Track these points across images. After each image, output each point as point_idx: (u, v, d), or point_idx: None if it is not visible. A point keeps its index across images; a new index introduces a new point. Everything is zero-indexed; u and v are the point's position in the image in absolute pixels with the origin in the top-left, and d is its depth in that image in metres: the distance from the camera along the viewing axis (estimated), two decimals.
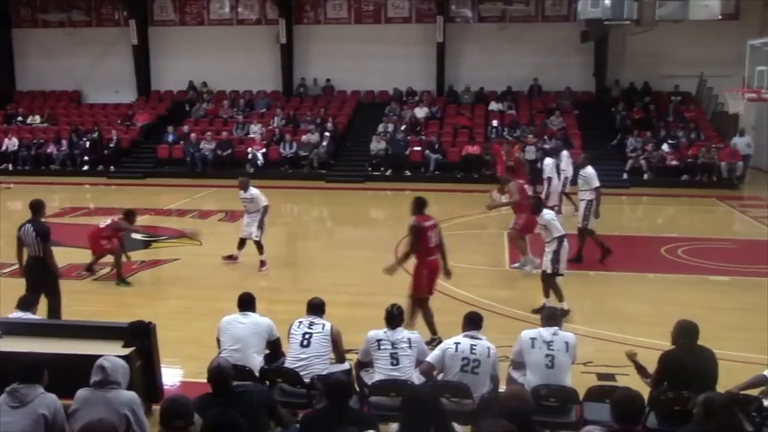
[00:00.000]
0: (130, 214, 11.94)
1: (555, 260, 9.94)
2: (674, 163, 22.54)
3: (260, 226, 12.49)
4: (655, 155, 22.57)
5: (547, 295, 10.15)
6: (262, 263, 12.52)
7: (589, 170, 12.80)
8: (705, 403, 4.73)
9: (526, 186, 12.79)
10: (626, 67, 26.33)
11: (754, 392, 6.28)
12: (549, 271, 10.01)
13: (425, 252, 8.87)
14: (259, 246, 12.52)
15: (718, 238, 15.23)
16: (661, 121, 24.54)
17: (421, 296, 8.94)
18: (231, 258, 12.79)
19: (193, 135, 24.75)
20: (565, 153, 17.65)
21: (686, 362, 6.07)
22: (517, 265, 12.50)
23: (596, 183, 12.70)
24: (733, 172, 22.10)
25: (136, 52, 28.15)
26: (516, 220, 12.46)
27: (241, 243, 12.71)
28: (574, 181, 15.29)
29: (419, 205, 9.12)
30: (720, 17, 19.84)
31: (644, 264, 13.19)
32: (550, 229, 10.02)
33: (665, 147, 22.94)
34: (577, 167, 13.52)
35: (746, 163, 22.77)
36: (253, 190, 12.62)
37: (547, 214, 10.18)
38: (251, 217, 12.57)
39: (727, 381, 6.23)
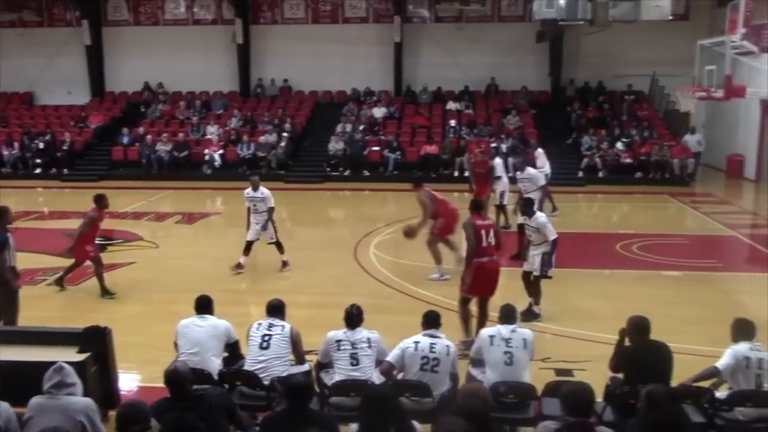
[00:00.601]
0: (100, 199, 11.25)
1: (546, 262, 9.73)
2: (628, 160, 22.93)
3: (265, 227, 12.36)
4: (609, 153, 22.94)
5: (531, 295, 10.05)
6: (285, 264, 12.46)
7: (532, 171, 12.96)
8: (647, 396, 4.82)
9: (433, 192, 12.33)
10: (581, 66, 26.73)
11: (707, 384, 6.45)
12: (537, 273, 9.82)
13: (478, 252, 8.66)
14: (279, 246, 12.46)
15: (671, 234, 15.54)
16: (615, 120, 24.96)
17: (468, 295, 8.81)
18: (239, 267, 12.41)
19: (148, 136, 24.44)
20: (540, 151, 17.90)
21: (641, 357, 6.20)
22: (434, 276, 11.97)
23: (542, 182, 12.88)
24: (685, 169, 22.58)
25: (89, 52, 27.71)
26: (434, 224, 12.11)
27: (248, 248, 12.40)
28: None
29: (476, 206, 9.09)
30: (671, 18, 20.24)
31: (600, 260, 13.40)
32: (543, 232, 9.74)
33: (619, 145, 23.33)
34: (517, 170, 13.64)
35: (697, 160, 23.29)
36: (265, 190, 12.48)
37: (540, 216, 9.91)
38: (260, 217, 12.41)
39: (680, 373, 6.36)
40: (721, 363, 6.31)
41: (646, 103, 26.20)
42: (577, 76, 26.99)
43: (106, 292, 10.91)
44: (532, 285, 10.01)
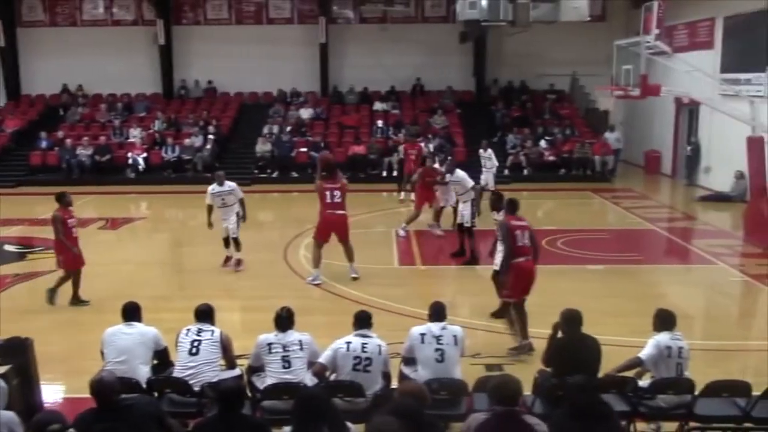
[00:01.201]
0: (61, 197, 10.76)
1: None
2: (551, 158, 23.46)
3: (237, 221, 12.42)
4: (533, 151, 23.43)
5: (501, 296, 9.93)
6: (239, 262, 12.46)
7: (460, 173, 13.14)
8: (569, 387, 4.96)
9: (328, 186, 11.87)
10: (504, 66, 27.24)
11: (630, 373, 6.66)
12: (498, 268, 9.70)
13: (515, 252, 8.60)
14: (237, 243, 12.46)
15: (594, 229, 15.97)
16: (538, 119, 25.53)
17: (510, 299, 8.77)
18: (228, 261, 12.63)
19: (68, 140, 23.72)
20: (490, 150, 18.51)
21: (572, 349, 6.37)
22: (310, 279, 11.96)
23: (470, 182, 13.09)
24: (606, 166, 23.26)
25: (3, 54, 26.72)
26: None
27: (227, 242, 12.54)
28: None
29: (512, 206, 8.91)
30: (589, 19, 20.78)
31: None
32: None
33: (542, 143, 23.86)
34: (447, 172, 13.82)
35: (617, 157, 24.05)
36: (230, 182, 12.51)
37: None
38: (230, 211, 12.41)
39: (604, 364, 6.56)
40: (644, 353, 6.54)
41: (567, 102, 26.89)
42: (501, 76, 27.50)
43: (79, 300, 10.66)
44: (497, 282, 9.94)
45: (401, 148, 20.99)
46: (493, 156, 18.47)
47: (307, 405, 4.73)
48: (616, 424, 4.97)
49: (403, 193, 19.44)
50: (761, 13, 17.80)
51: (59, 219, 10.53)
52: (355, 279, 11.80)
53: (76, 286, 10.70)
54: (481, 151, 18.72)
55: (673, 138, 23.68)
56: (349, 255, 11.97)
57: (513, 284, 8.63)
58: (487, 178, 18.10)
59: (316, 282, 11.71)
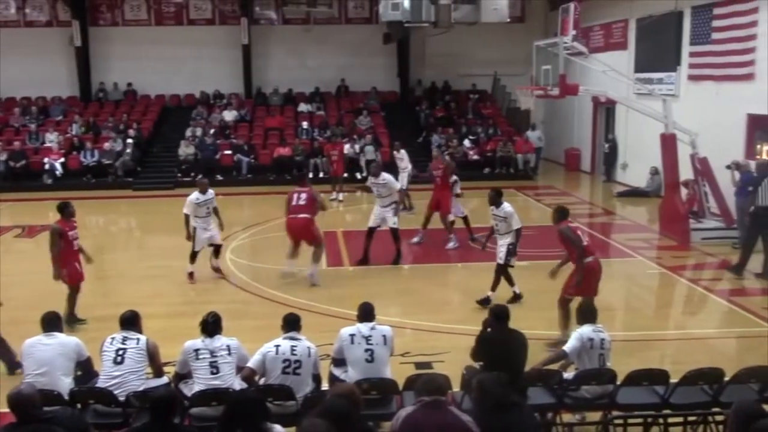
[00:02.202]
0: (64, 208, 9.97)
1: (511, 252, 10.29)
2: (475, 157, 23.81)
3: (222, 227, 12.22)
4: (458, 150, 23.72)
5: (494, 289, 10.46)
6: (191, 275, 12.10)
7: (386, 176, 13.25)
8: (478, 384, 5.07)
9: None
10: (428, 67, 27.54)
11: (555, 366, 6.84)
12: (502, 262, 10.33)
13: (586, 252, 8.75)
14: (219, 250, 12.24)
15: (527, 227, 16.24)
16: (462, 119, 25.88)
17: (571, 295, 8.80)
18: (218, 271, 12.28)
19: None
20: (403, 151, 18.51)
21: (499, 344, 6.50)
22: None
23: (397, 186, 13.22)
24: (528, 164, 23.76)
25: None
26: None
27: (195, 256, 12.02)
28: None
29: (564, 213, 9.10)
30: (508, 20, 21.19)
31: (454, 255, 13.82)
32: (509, 221, 10.29)
33: (466, 143, 24.20)
34: (372, 174, 13.72)
35: (539, 155, 24.61)
36: (210, 190, 12.11)
37: (508, 206, 10.43)
38: (211, 219, 12.06)
39: (531, 359, 6.71)
40: (568, 346, 6.73)
41: (489, 102, 27.36)
42: (425, 76, 27.78)
43: (75, 319, 9.80)
44: (497, 275, 10.42)
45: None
46: (406, 157, 18.36)
47: (243, 407, 4.65)
48: (527, 412, 5.13)
49: (341, 194, 19.46)
50: (671, 15, 18.51)
51: (57, 231, 9.74)
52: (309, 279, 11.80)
53: (71, 303, 9.93)
54: (394, 152, 18.74)
55: (592, 136, 24.38)
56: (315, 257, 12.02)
57: (585, 283, 8.69)
58: (402, 179, 17.63)
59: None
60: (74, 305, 9.89)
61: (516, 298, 10.51)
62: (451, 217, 14.11)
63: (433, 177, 14.37)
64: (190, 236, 11.96)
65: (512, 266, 10.52)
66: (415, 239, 14.29)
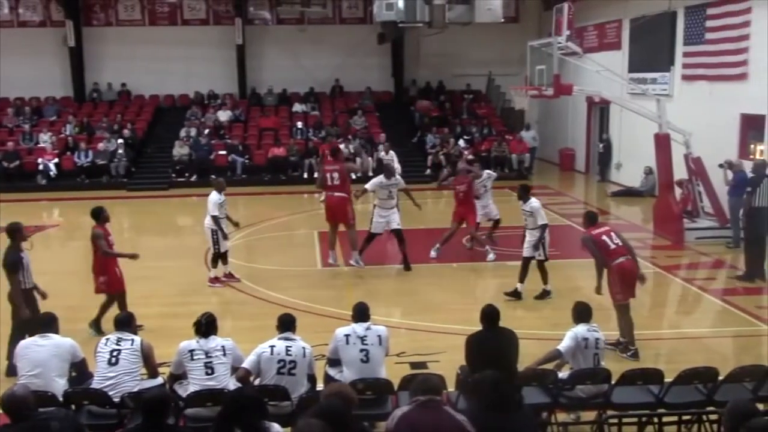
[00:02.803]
0: (99, 213, 9.73)
1: (535, 246, 10.70)
2: (470, 157, 23.77)
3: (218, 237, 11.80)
4: (455, 150, 23.72)
5: (546, 282, 10.89)
6: (217, 279, 11.95)
7: (398, 177, 13.27)
8: (474, 383, 5.07)
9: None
10: (422, 67, 27.54)
11: (550, 366, 6.85)
12: (526, 255, 10.84)
13: (608, 256, 8.66)
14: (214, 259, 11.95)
15: (514, 226, 16.21)
16: (456, 118, 25.90)
17: (619, 302, 8.70)
18: (230, 277, 12.07)
19: None
20: (392, 152, 18.39)
21: (488, 343, 6.50)
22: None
23: (403, 184, 13.25)
24: (522, 163, 23.78)
25: None
26: None
27: (218, 258, 11.95)
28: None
29: (591, 218, 9.23)
30: (503, 20, 21.20)
31: (448, 254, 13.81)
32: (535, 216, 10.65)
33: (461, 142, 24.21)
34: (386, 177, 13.65)
35: (533, 155, 24.64)
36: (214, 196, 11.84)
37: (534, 202, 10.78)
38: (225, 222, 11.91)
39: (525, 358, 6.73)
40: (563, 345, 6.74)
41: (483, 102, 27.39)
42: (419, 76, 27.77)
43: (98, 329, 9.42)
44: (522, 265, 10.81)
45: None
46: (395, 158, 17.97)
47: (244, 406, 4.63)
48: (527, 413, 5.12)
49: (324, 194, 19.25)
50: (664, 15, 18.55)
51: (101, 235, 9.52)
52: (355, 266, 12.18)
53: (106, 309, 9.61)
54: (382, 154, 18.62)
55: (586, 136, 24.42)
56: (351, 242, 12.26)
57: (620, 286, 8.63)
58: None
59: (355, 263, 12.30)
60: (105, 313, 9.61)
61: (516, 294, 10.80)
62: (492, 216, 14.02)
63: (457, 192, 13.61)
64: (226, 236, 11.92)
65: (544, 259, 10.87)
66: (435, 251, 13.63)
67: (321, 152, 20.90)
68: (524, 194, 10.84)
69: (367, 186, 13.11)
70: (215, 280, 11.89)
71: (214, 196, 11.75)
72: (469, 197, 13.47)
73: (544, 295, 10.91)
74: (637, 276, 8.74)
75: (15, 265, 8.16)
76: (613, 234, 8.84)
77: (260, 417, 4.61)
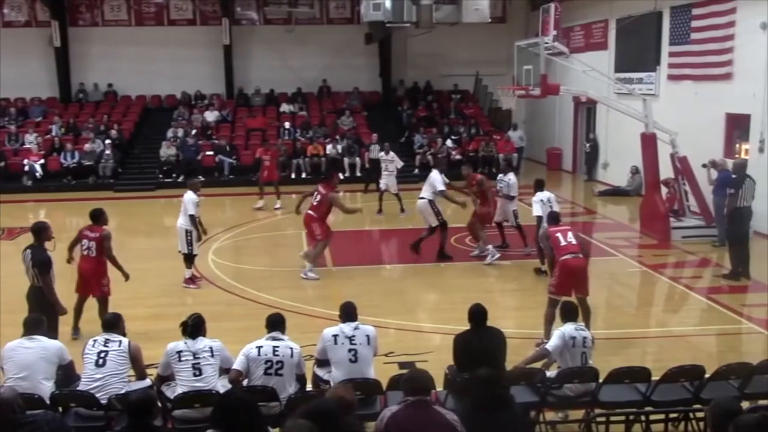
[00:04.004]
0: (101, 215, 9.54)
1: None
2: (458, 157, 23.85)
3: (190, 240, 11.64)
4: (442, 150, 23.76)
5: (542, 262, 11.70)
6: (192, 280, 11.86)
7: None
8: (464, 382, 5.09)
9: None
10: (409, 67, 27.56)
11: (538, 365, 6.88)
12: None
13: (557, 251, 8.93)
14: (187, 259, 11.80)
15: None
16: (444, 118, 25.93)
17: (551, 294, 8.80)
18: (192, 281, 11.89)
19: None
20: (392, 153, 18.22)
21: (475, 342, 6.52)
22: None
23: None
24: (510, 163, 23.79)
25: None
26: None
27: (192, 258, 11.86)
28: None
29: (553, 218, 9.80)
30: (490, 20, 21.25)
31: (435, 255, 13.82)
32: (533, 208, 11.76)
33: (449, 142, 24.24)
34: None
35: (520, 154, 24.71)
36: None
37: (537, 195, 11.78)
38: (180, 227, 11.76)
39: (513, 357, 6.75)
40: (551, 344, 6.77)
41: (471, 102, 27.44)
42: (407, 76, 27.79)
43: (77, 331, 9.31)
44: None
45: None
46: (396, 158, 18.11)
47: (235, 408, 4.60)
48: (517, 412, 5.14)
49: (261, 201, 18.80)
50: (650, 15, 18.65)
51: (110, 237, 9.42)
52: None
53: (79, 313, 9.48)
54: (382, 154, 18.51)
55: (573, 135, 24.51)
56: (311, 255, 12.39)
57: (558, 280, 8.82)
58: (388, 182, 17.74)
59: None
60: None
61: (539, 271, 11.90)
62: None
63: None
64: (200, 238, 11.89)
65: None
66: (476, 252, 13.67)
67: (259, 156, 20.06)
68: (536, 187, 12.03)
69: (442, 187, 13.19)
70: (190, 280, 11.87)
71: (191, 196, 11.69)
72: (484, 200, 13.37)
73: (539, 272, 11.86)
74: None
75: (46, 264, 8.16)
76: (569, 233, 9.06)
77: (251, 419, 4.58)
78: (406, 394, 4.80)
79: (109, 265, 9.53)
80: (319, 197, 12.18)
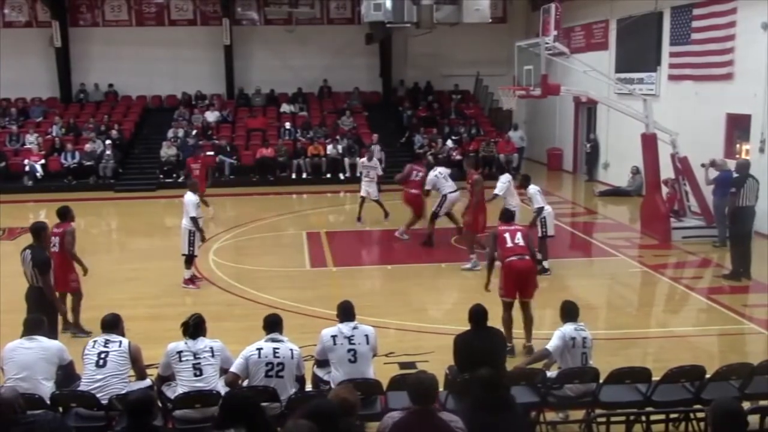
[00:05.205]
0: (67, 212, 9.73)
1: (534, 224, 11.93)
2: (458, 157, 23.83)
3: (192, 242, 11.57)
4: (443, 150, 23.75)
5: (544, 258, 12.00)
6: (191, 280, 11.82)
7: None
8: (465, 383, 5.08)
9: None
10: (410, 67, 27.55)
11: (539, 365, 6.88)
12: (539, 234, 11.93)
13: (502, 252, 8.80)
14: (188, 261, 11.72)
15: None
16: (445, 119, 25.92)
17: (501, 297, 8.74)
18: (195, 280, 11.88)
19: None
20: (375, 160, 17.44)
21: (475, 343, 6.52)
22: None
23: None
24: (510, 163, 23.78)
25: None
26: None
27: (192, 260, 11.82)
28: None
29: (505, 216, 9.53)
30: (490, 20, 21.26)
31: (437, 254, 13.83)
32: (532, 201, 12.10)
33: (449, 142, 24.24)
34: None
35: (521, 155, 24.69)
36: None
37: (532, 188, 12.14)
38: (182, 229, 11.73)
39: (513, 357, 6.74)
40: (551, 345, 6.76)
41: (471, 102, 27.42)
42: (407, 76, 27.77)
43: (80, 330, 9.42)
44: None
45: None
46: (378, 166, 16.98)
47: (238, 408, 4.60)
48: (519, 412, 5.13)
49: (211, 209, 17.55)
50: (651, 16, 18.64)
51: (73, 233, 9.51)
52: None
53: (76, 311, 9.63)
54: (364, 159, 17.22)
55: (573, 136, 24.49)
56: None
57: (504, 282, 8.75)
58: (369, 189, 16.49)
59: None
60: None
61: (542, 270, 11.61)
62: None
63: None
64: (203, 239, 11.89)
65: (541, 237, 11.98)
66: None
67: (187, 167, 18.52)
68: (525, 182, 12.35)
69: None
70: (190, 281, 11.86)
71: (191, 197, 11.68)
72: (480, 203, 13.14)
73: (542, 271, 11.47)
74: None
75: (46, 264, 8.17)
76: (518, 234, 8.91)
77: (258, 418, 4.58)
78: (411, 399, 4.77)
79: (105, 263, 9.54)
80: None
